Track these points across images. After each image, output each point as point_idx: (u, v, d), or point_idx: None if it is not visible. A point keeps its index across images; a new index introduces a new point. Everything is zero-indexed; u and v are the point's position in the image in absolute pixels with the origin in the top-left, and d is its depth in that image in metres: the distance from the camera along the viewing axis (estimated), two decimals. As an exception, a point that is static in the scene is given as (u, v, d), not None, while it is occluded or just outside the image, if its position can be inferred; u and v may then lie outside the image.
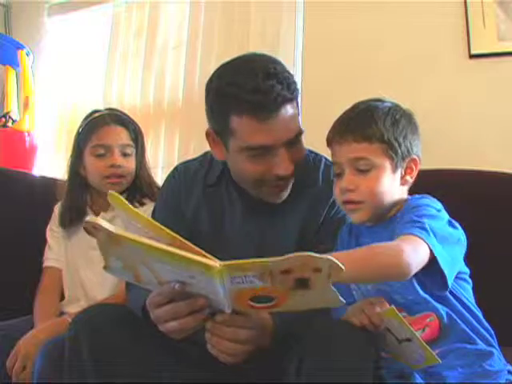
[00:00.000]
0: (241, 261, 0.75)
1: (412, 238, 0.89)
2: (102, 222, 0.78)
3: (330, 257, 0.71)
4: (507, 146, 1.79)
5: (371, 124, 0.99)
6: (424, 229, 0.90)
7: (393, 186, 1.01)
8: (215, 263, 0.76)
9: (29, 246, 1.66)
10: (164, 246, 0.78)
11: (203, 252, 0.81)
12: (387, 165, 0.99)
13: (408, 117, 1.04)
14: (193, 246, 0.83)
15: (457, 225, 0.99)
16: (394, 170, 1.00)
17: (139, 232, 0.87)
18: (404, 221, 0.96)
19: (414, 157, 1.03)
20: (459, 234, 0.98)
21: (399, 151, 1.00)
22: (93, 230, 0.79)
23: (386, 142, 0.99)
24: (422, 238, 0.88)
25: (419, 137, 1.05)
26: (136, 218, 0.88)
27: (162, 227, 0.87)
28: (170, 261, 0.78)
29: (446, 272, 0.89)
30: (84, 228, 0.80)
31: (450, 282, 0.91)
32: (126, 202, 0.89)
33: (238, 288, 0.78)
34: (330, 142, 1.05)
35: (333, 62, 2.09)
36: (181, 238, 0.84)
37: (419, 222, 0.92)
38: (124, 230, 0.83)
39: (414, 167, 1.03)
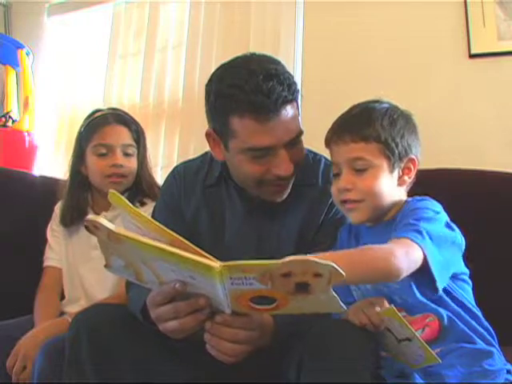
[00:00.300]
0: (241, 262, 0.75)
1: (405, 242, 0.89)
2: (102, 220, 0.78)
3: (330, 263, 0.71)
4: (507, 145, 1.79)
5: (368, 124, 1.00)
6: (419, 232, 0.91)
7: (390, 186, 1.01)
8: (215, 264, 0.76)
9: (29, 246, 1.66)
10: (164, 246, 0.78)
11: (203, 252, 0.81)
12: (384, 165, 1.00)
13: (406, 117, 1.04)
14: (193, 246, 0.83)
15: (454, 226, 0.99)
16: (392, 170, 1.01)
17: (139, 231, 0.87)
18: (401, 223, 0.96)
19: (412, 157, 1.03)
20: (456, 235, 0.98)
21: (396, 151, 1.00)
22: (93, 229, 0.80)
23: (382, 142, 0.99)
24: (415, 242, 0.89)
25: (418, 137, 1.05)
26: (136, 217, 0.88)
27: (162, 227, 0.86)
28: (170, 260, 0.78)
29: (435, 276, 0.90)
30: (85, 226, 0.80)
31: (441, 285, 0.92)
32: (127, 201, 0.89)
33: (237, 289, 0.78)
34: (328, 142, 1.05)
35: (333, 61, 2.09)
36: (181, 238, 0.84)
37: (415, 225, 0.93)
38: (124, 230, 0.83)
39: (412, 167, 1.03)
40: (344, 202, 1.02)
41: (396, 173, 1.02)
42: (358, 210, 1.01)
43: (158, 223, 0.87)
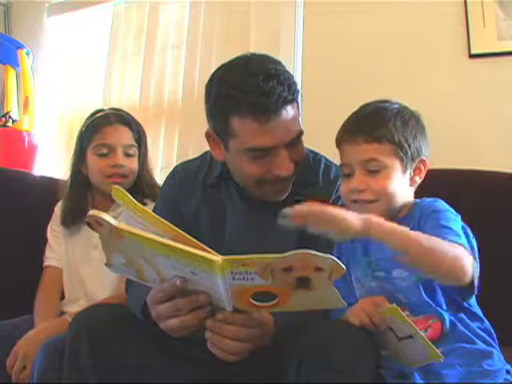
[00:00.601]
0: (242, 256, 0.75)
1: (462, 248, 0.89)
2: (105, 215, 0.78)
3: (331, 256, 0.72)
4: (507, 145, 1.79)
5: (381, 125, 0.99)
6: (459, 235, 0.92)
7: (403, 187, 1.02)
8: (217, 257, 0.76)
9: (29, 246, 1.66)
10: (166, 241, 0.78)
11: (206, 247, 0.81)
12: (397, 166, 1.00)
13: (416, 118, 1.05)
14: (196, 241, 0.83)
15: (469, 232, 0.99)
16: (404, 170, 1.01)
17: (141, 228, 0.87)
18: (431, 224, 0.95)
19: (423, 158, 1.04)
20: (474, 242, 0.98)
21: (409, 152, 1.00)
22: (95, 225, 0.79)
23: (396, 143, 0.99)
24: (467, 249, 0.90)
25: (427, 138, 1.05)
26: (139, 212, 0.88)
27: (166, 222, 0.86)
28: (172, 255, 0.79)
29: (475, 282, 0.90)
30: (87, 222, 0.80)
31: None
32: (130, 197, 0.89)
33: (239, 284, 0.78)
34: (339, 142, 1.04)
35: (333, 61, 2.09)
36: (184, 233, 0.84)
37: (451, 228, 0.93)
38: (126, 225, 0.83)
39: (422, 168, 1.04)
40: (355, 202, 1.01)
41: (408, 173, 1.02)
42: (371, 211, 1.00)
43: (161, 218, 0.87)
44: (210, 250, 0.80)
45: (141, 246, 0.79)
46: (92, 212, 0.79)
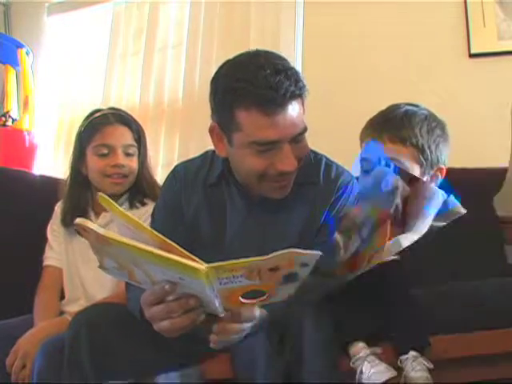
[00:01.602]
0: (226, 262, 0.76)
1: None
2: (90, 224, 0.78)
3: (316, 252, 0.73)
4: (506, 145, 1.79)
5: (408, 128, 1.01)
6: None
7: None
8: (201, 266, 0.77)
9: (29, 246, 1.66)
10: (151, 249, 0.78)
11: (191, 255, 0.81)
12: (416, 170, 1.02)
13: (442, 127, 1.06)
14: (181, 249, 0.83)
15: None
16: (422, 175, 1.03)
17: (133, 234, 0.87)
18: None
19: (442, 166, 1.05)
20: None
21: (429, 158, 1.02)
22: (83, 232, 0.80)
23: (419, 148, 1.01)
24: None
25: (449, 147, 1.06)
26: (126, 220, 0.89)
27: (151, 229, 0.87)
28: (158, 263, 0.79)
29: None
30: (75, 230, 0.80)
31: None
32: (116, 205, 0.89)
33: (226, 288, 0.79)
34: (363, 137, 1.06)
35: (332, 61, 2.10)
36: (170, 242, 0.85)
37: None
38: (117, 232, 0.83)
39: (439, 175, 1.06)
40: None
41: (424, 179, 1.03)
42: None
43: (147, 226, 0.88)
44: (194, 257, 0.81)
45: (128, 252, 0.80)
46: (78, 220, 0.79)
